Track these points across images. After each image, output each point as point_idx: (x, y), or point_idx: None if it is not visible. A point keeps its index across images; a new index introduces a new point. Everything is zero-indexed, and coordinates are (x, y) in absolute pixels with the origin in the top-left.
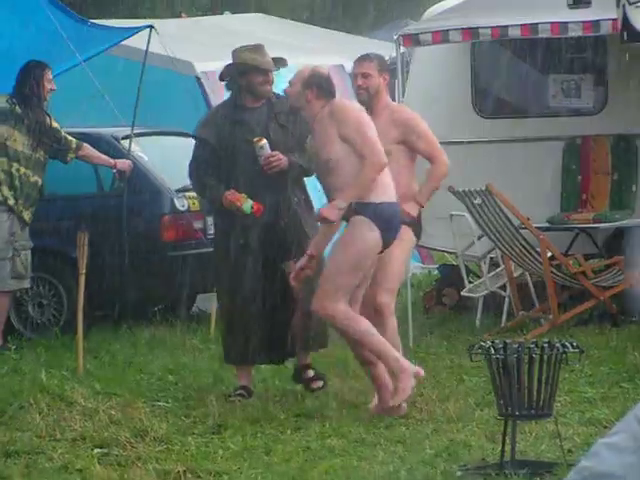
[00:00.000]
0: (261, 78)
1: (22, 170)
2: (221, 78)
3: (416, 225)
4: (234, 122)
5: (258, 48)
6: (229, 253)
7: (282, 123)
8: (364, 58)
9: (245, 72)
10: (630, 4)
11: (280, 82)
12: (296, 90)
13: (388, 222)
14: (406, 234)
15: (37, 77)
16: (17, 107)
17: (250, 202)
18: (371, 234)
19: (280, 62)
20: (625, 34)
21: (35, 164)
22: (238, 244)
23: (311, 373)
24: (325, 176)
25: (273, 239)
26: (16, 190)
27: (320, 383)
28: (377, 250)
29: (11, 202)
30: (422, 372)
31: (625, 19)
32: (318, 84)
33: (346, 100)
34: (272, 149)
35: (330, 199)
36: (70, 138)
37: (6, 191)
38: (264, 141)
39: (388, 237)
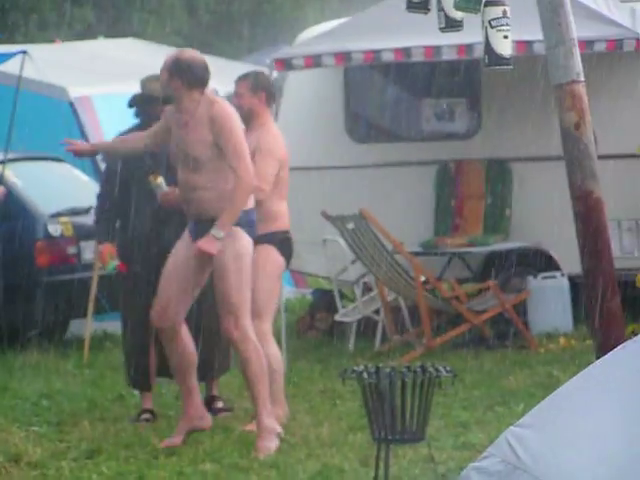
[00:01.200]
0: (159, 108)
1: None
2: (130, 105)
3: (286, 249)
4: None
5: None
6: (128, 279)
7: None
8: (240, 77)
9: (152, 101)
10: (492, 27)
11: None
12: (164, 78)
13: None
14: (272, 259)
15: None
16: None
17: (113, 263)
18: (246, 240)
19: None
20: (486, 58)
21: None
22: (136, 271)
23: (220, 404)
24: (188, 172)
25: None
26: None
27: (228, 414)
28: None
29: None
30: (282, 432)
31: (487, 43)
32: (184, 71)
33: (228, 107)
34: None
35: (187, 194)
36: None
37: None
38: (160, 179)
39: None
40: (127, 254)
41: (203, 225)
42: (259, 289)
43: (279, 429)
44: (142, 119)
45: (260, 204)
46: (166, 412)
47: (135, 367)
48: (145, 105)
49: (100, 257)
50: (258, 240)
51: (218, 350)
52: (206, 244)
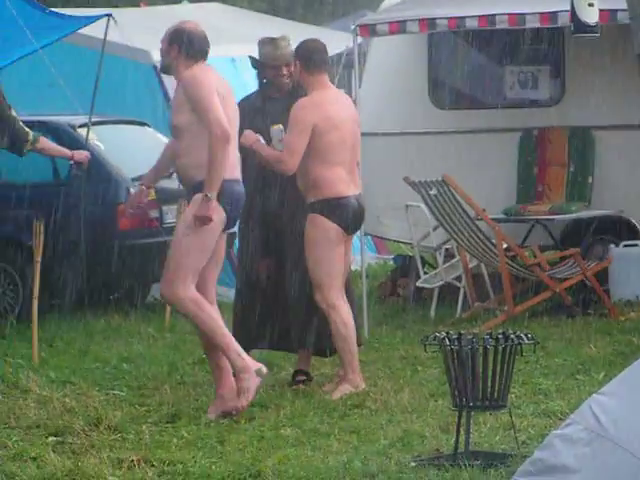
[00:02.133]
0: (273, 72)
1: None
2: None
3: (337, 215)
4: (255, 110)
5: (273, 41)
6: (244, 241)
7: None
8: None
9: (260, 66)
10: None
11: (239, 75)
12: (164, 47)
13: (232, 200)
14: (318, 227)
15: None
16: None
17: None
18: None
19: None
20: (572, 26)
21: None
22: (245, 231)
23: (302, 378)
24: (174, 140)
25: (279, 228)
26: None
27: (301, 387)
28: (220, 228)
29: None
30: (265, 369)
31: (573, 11)
32: (183, 41)
33: (200, 71)
34: None
35: (175, 162)
36: (27, 130)
37: None
38: (279, 125)
39: (232, 215)
40: (245, 214)
41: (190, 192)
42: (311, 261)
43: (362, 385)
44: (259, 81)
45: (306, 172)
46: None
47: (241, 326)
48: (258, 69)
49: None
50: (308, 209)
51: (318, 322)
52: (200, 210)
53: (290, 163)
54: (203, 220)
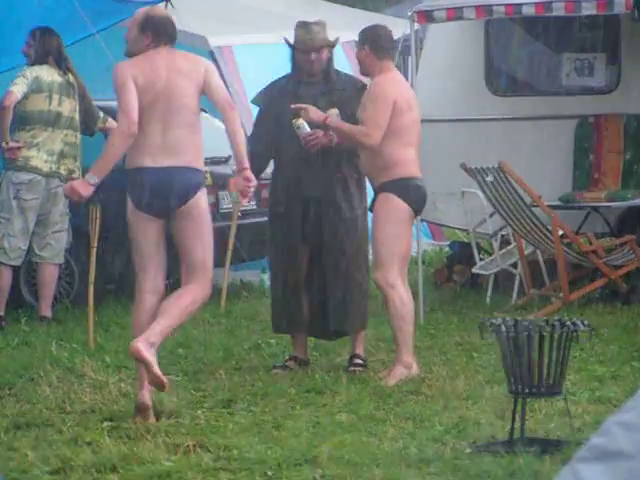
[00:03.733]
0: (303, 56)
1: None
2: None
3: (409, 195)
4: (287, 94)
5: (306, 25)
6: (274, 225)
7: (334, 100)
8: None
9: (292, 48)
10: None
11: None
12: (132, 35)
13: (133, 188)
14: (390, 207)
15: (59, 43)
16: (70, 76)
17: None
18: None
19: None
20: (636, 13)
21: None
22: (281, 215)
23: (358, 361)
24: None
25: (313, 213)
26: (79, 161)
27: (359, 369)
28: (144, 219)
29: (76, 175)
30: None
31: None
32: (154, 28)
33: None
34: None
35: None
36: (96, 108)
37: (71, 164)
38: (301, 120)
39: (141, 203)
40: (276, 197)
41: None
42: (377, 239)
43: (415, 368)
44: (292, 64)
45: (380, 151)
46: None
47: (279, 311)
48: (293, 53)
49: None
50: (380, 189)
51: (357, 304)
52: (78, 184)
53: (376, 136)
54: (73, 194)
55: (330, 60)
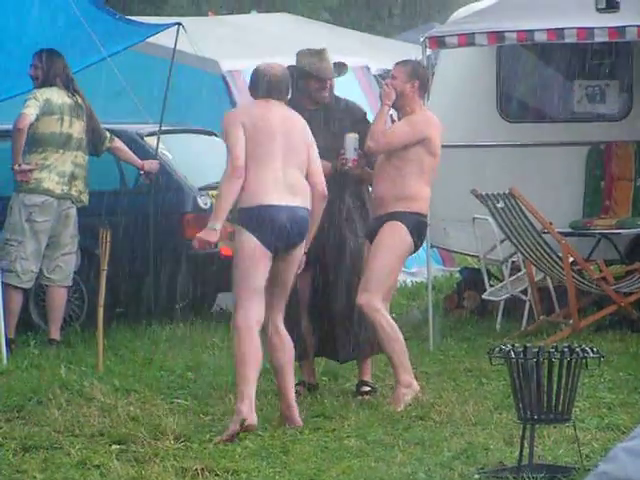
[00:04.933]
0: (317, 85)
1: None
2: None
3: (418, 232)
4: None
5: (319, 53)
6: None
7: (334, 130)
8: (399, 62)
9: (303, 76)
10: None
11: (339, 86)
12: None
13: (261, 225)
14: (399, 236)
15: (64, 65)
16: (78, 98)
17: (220, 243)
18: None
19: (340, 68)
20: None
21: None
22: None
23: (366, 389)
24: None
25: (319, 240)
26: (85, 182)
27: (367, 397)
28: (261, 254)
29: (84, 198)
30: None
31: None
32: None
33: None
34: (320, 155)
35: None
36: (103, 129)
37: (81, 185)
38: (355, 134)
39: (268, 241)
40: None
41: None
42: (373, 266)
43: (416, 386)
44: (293, 92)
45: (403, 181)
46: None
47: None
48: (297, 79)
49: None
50: (389, 217)
51: (364, 331)
52: (204, 235)
53: (380, 142)
54: (201, 244)
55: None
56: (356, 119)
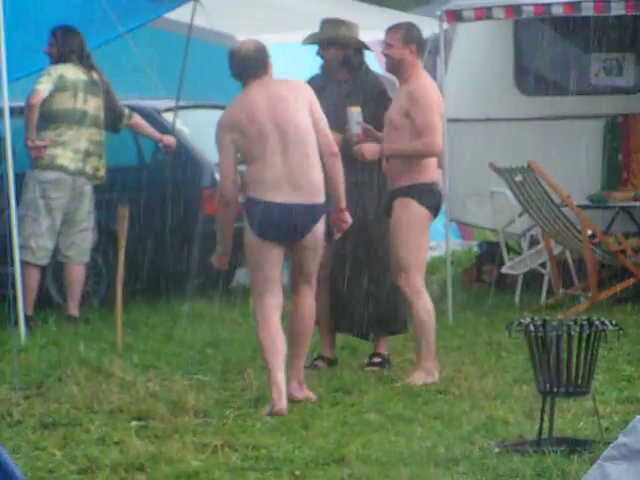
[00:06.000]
0: (343, 52)
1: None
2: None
3: (429, 200)
4: (317, 91)
5: (321, 22)
6: None
7: (359, 100)
8: (390, 28)
9: (329, 44)
10: None
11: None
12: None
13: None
14: (410, 212)
15: (80, 41)
16: (94, 74)
17: None
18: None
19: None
20: None
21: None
22: None
23: (376, 360)
24: None
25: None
26: (104, 160)
27: (375, 369)
28: (266, 247)
29: (101, 174)
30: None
31: None
32: (240, 68)
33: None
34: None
35: None
36: (121, 105)
37: (96, 162)
38: (358, 108)
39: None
40: None
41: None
42: (400, 245)
43: (436, 376)
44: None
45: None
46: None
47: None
48: (322, 48)
49: None
50: (398, 193)
51: (389, 308)
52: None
53: (438, 142)
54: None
55: (353, 59)
56: (376, 92)
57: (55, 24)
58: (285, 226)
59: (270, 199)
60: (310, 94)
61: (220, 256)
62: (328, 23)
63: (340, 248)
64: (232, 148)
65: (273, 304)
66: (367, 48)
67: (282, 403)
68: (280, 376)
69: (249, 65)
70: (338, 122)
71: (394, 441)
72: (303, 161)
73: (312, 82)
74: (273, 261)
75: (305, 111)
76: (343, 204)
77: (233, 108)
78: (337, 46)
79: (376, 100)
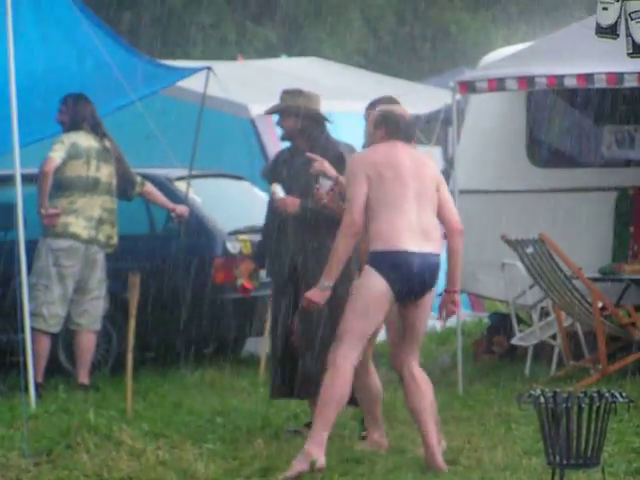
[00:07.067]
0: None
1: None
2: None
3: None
4: (283, 163)
5: (304, 93)
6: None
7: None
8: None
9: (284, 115)
10: (632, 20)
11: (335, 129)
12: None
13: (394, 270)
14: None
15: (92, 109)
16: (106, 142)
17: (240, 280)
18: (376, 281)
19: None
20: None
21: None
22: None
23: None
24: None
25: (294, 279)
26: (116, 228)
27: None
28: (386, 299)
29: (113, 242)
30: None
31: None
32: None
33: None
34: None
35: None
36: (134, 173)
37: (109, 230)
38: (276, 186)
39: (400, 287)
40: (270, 269)
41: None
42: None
43: (319, 459)
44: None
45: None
46: (341, 432)
47: (281, 376)
48: (281, 118)
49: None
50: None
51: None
52: (312, 294)
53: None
54: (309, 305)
55: (311, 128)
56: (335, 157)
57: (67, 90)
58: (420, 275)
59: (408, 248)
60: (437, 172)
61: (324, 290)
62: (287, 94)
63: (308, 314)
64: (365, 183)
65: (355, 360)
66: (325, 119)
67: (323, 460)
68: (328, 432)
69: (408, 129)
70: (301, 190)
71: None
72: (434, 219)
73: (281, 154)
74: (381, 318)
75: (436, 180)
76: (455, 286)
77: (373, 150)
78: (294, 116)
79: (335, 165)
